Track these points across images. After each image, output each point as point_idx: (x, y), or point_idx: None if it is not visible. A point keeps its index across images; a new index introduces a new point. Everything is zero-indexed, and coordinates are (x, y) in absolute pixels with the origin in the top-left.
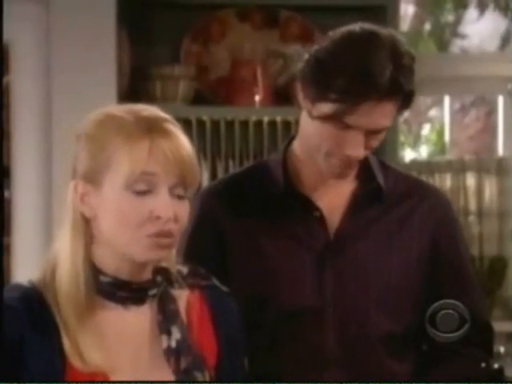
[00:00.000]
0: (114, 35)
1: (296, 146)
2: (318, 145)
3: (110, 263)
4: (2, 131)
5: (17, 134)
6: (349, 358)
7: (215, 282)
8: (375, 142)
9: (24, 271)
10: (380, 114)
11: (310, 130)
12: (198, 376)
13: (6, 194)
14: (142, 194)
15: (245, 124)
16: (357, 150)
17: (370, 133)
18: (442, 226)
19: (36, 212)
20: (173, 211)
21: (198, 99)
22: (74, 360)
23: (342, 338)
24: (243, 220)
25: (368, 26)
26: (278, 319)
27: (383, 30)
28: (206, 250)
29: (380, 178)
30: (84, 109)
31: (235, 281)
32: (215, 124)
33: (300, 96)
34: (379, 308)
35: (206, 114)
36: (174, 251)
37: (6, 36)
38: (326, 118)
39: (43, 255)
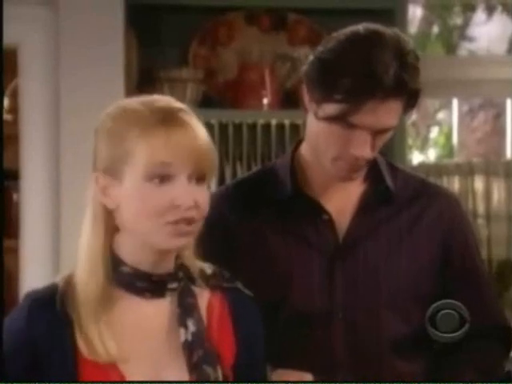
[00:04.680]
0: (122, 36)
1: (303, 149)
2: (325, 148)
3: (132, 253)
4: (2, 133)
5: (25, 137)
6: (359, 360)
7: (239, 285)
8: (381, 143)
9: (32, 274)
10: (385, 113)
11: (317, 132)
12: (208, 371)
13: (14, 196)
14: (161, 183)
15: (253, 127)
16: (363, 150)
17: (377, 132)
18: (452, 228)
19: (44, 215)
20: (193, 199)
21: (205, 102)
22: (87, 353)
23: (351, 340)
24: (252, 224)
25: (372, 25)
26: (288, 322)
27: (387, 30)
28: (215, 254)
29: (389, 180)
30: (92, 110)
31: (245, 285)
32: (223, 127)
33: (306, 98)
34: (389, 310)
35: (214, 117)
36: (191, 251)
37: (13, 38)
38: (331, 119)
39: (51, 258)
